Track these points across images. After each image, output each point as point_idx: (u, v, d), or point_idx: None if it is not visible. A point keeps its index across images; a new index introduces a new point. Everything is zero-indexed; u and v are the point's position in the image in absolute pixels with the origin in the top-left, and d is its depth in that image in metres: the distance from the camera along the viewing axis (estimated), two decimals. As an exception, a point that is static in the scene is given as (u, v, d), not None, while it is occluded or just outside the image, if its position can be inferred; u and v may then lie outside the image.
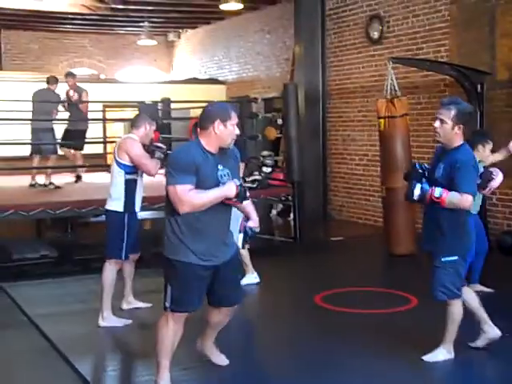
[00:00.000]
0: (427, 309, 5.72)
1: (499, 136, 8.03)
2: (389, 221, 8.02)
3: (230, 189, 3.78)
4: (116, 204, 5.38)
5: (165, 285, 3.90)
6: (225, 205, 3.84)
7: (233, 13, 13.47)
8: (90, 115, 10.87)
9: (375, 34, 10.30)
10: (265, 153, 9.48)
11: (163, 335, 3.91)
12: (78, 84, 10.15)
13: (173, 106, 12.38)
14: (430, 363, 4.38)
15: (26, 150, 9.92)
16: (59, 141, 9.88)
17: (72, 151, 10.21)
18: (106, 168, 8.35)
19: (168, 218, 3.84)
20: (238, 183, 3.83)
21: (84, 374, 4.43)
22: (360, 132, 10.66)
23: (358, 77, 10.64)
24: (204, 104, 10.11)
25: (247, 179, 8.70)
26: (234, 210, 4.03)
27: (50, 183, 9.22)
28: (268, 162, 8.92)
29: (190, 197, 3.69)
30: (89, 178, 10.15)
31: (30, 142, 9.66)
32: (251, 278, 6.59)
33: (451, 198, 4.11)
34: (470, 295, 4.57)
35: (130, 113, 12.93)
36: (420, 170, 4.32)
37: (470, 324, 4.54)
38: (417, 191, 4.20)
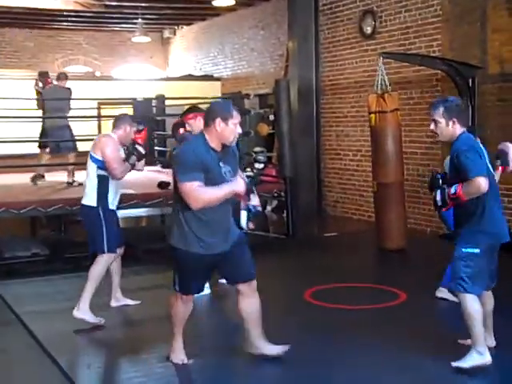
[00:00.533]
0: (416, 304, 5.76)
1: (491, 130, 8.07)
2: (380, 216, 8.01)
3: (239, 185, 3.95)
4: (89, 199, 5.41)
5: (173, 270, 4.22)
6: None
7: (227, 9, 13.47)
8: (85, 113, 10.88)
9: (368, 29, 10.28)
10: (257, 149, 9.45)
11: (175, 311, 4.31)
12: (71, 82, 10.13)
13: (168, 102, 12.38)
14: (421, 362, 4.31)
15: (22, 148, 9.96)
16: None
17: None
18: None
19: (176, 212, 4.06)
20: (247, 179, 4.00)
21: (69, 372, 4.43)
22: (353, 127, 10.64)
23: (352, 72, 10.62)
24: (197, 101, 10.23)
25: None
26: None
27: (74, 181, 9.25)
28: (260, 158, 8.89)
29: (201, 193, 3.85)
30: (82, 176, 10.12)
31: (44, 140, 9.61)
32: None
33: (465, 188, 4.02)
34: (489, 300, 4.40)
35: (125, 110, 12.99)
36: (439, 178, 4.28)
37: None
38: (438, 196, 4.18)
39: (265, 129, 10.06)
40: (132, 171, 5.58)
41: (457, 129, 4.19)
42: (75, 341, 5.13)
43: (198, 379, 4.45)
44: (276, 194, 9.37)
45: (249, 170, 8.74)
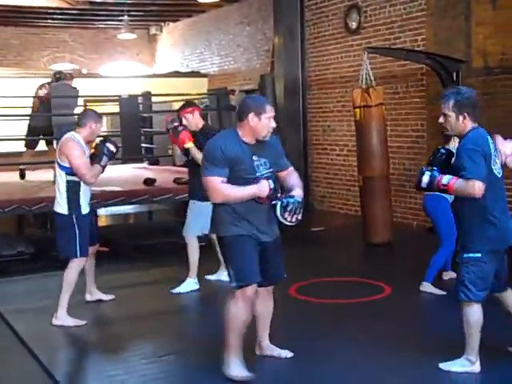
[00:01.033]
0: (400, 298, 5.77)
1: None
2: (366, 210, 8.02)
3: (263, 189, 3.93)
4: (60, 206, 5.24)
5: (226, 266, 4.18)
6: None
7: (213, 5, 13.43)
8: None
9: (353, 25, 10.27)
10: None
11: (234, 314, 3.99)
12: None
13: (155, 99, 12.34)
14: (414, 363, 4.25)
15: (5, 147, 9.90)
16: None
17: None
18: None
19: (213, 203, 4.05)
20: (272, 185, 3.94)
21: (51, 369, 4.41)
22: (340, 122, 10.64)
23: (337, 67, 10.62)
24: (184, 97, 10.18)
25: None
26: None
27: None
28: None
29: (222, 189, 3.90)
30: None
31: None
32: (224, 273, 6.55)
33: (458, 184, 3.87)
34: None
35: (112, 107, 12.95)
36: (443, 155, 4.13)
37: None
38: (425, 178, 4.01)
39: (250, 125, 10.05)
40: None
41: (467, 124, 3.97)
42: (57, 339, 5.11)
43: (180, 375, 4.41)
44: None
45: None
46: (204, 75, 14.90)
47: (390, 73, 9.46)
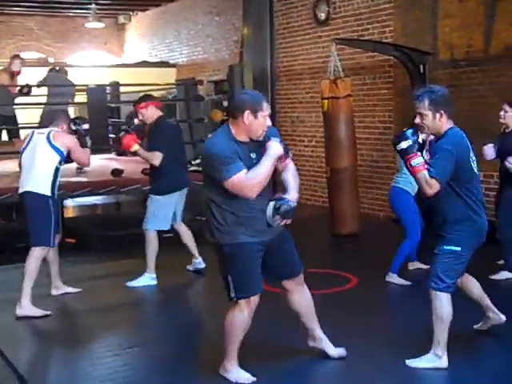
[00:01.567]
0: (366, 288, 5.81)
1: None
2: (333, 201, 8.06)
3: (276, 149, 3.73)
4: (42, 187, 5.29)
5: (224, 276, 3.83)
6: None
7: (181, -5, 13.36)
8: (37, 100, 10.64)
9: (322, 16, 10.27)
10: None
11: (239, 323, 3.84)
12: (24, 68, 9.93)
13: (123, 89, 12.23)
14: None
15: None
16: None
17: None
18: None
19: (215, 209, 3.76)
20: (278, 140, 3.77)
21: (14, 362, 4.36)
22: (308, 113, 10.66)
23: (306, 58, 10.62)
24: (152, 87, 10.11)
25: (193, 162, 8.63)
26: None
27: None
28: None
29: (251, 179, 3.63)
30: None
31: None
32: (196, 263, 6.55)
33: (422, 175, 3.85)
34: (473, 283, 4.38)
35: (79, 97, 12.79)
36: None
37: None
38: (404, 145, 3.91)
39: (218, 115, 10.03)
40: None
41: (444, 122, 3.98)
42: (21, 331, 5.06)
43: (145, 367, 4.38)
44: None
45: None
46: (173, 65, 14.82)
47: (358, 64, 9.49)
